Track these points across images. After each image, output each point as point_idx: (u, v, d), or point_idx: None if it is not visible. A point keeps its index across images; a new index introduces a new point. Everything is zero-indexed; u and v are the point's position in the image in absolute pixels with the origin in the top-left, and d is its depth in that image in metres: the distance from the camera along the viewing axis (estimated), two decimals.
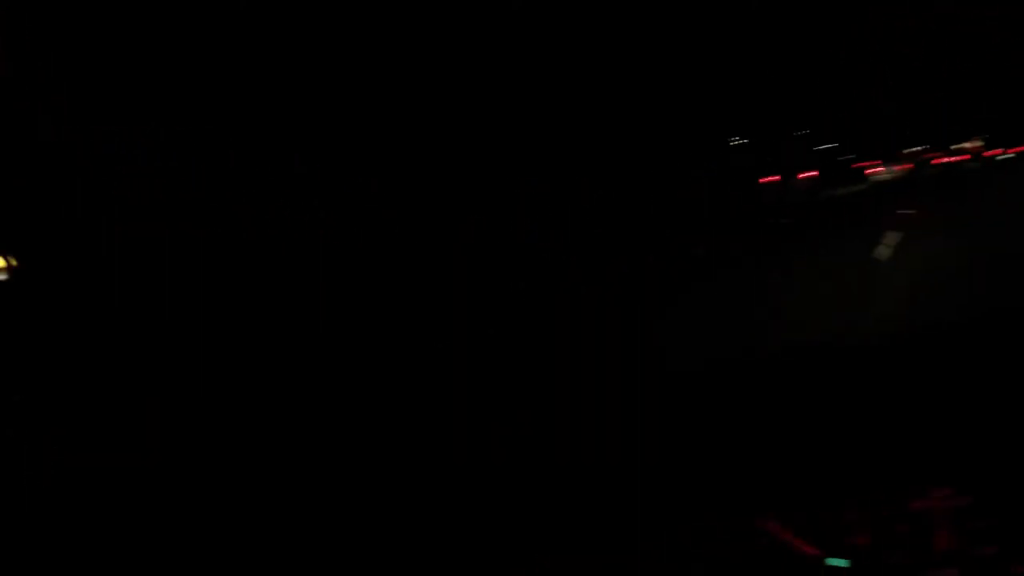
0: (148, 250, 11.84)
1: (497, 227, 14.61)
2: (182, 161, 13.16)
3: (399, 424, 6.84)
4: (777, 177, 23.31)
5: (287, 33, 14.61)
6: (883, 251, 11.08)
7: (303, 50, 14.19)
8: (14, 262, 10.10)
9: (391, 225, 14.13)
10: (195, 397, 7.10)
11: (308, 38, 14.05)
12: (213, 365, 8.62)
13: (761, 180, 22.40)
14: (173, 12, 12.94)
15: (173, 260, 11.49)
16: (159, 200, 12.76)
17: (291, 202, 13.92)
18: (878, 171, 25.25)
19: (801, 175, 22.95)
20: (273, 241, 13.11)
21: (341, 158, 14.49)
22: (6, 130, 11.26)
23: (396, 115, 14.98)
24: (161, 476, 1.86)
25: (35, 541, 1.86)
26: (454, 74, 14.22)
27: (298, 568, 1.82)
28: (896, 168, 26.54)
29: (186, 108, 13.33)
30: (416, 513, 1.88)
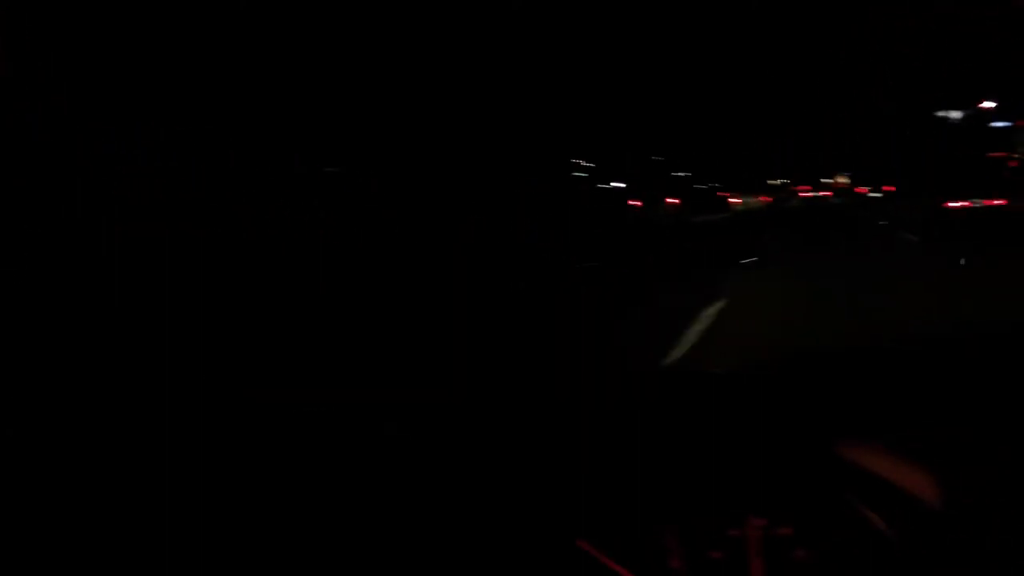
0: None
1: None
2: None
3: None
4: (640, 203, 23.96)
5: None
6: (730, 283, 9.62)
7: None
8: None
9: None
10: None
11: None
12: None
13: (629, 202, 23.30)
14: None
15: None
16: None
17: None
18: (738, 200, 28.37)
19: (667, 200, 25.20)
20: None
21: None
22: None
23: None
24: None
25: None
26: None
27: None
28: (759, 198, 29.49)
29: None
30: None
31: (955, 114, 59.59)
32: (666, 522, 1.55)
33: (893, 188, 53.09)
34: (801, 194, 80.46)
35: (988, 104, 52.62)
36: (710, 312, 7.71)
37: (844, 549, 1.49)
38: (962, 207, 19.64)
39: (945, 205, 19.38)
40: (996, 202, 19.62)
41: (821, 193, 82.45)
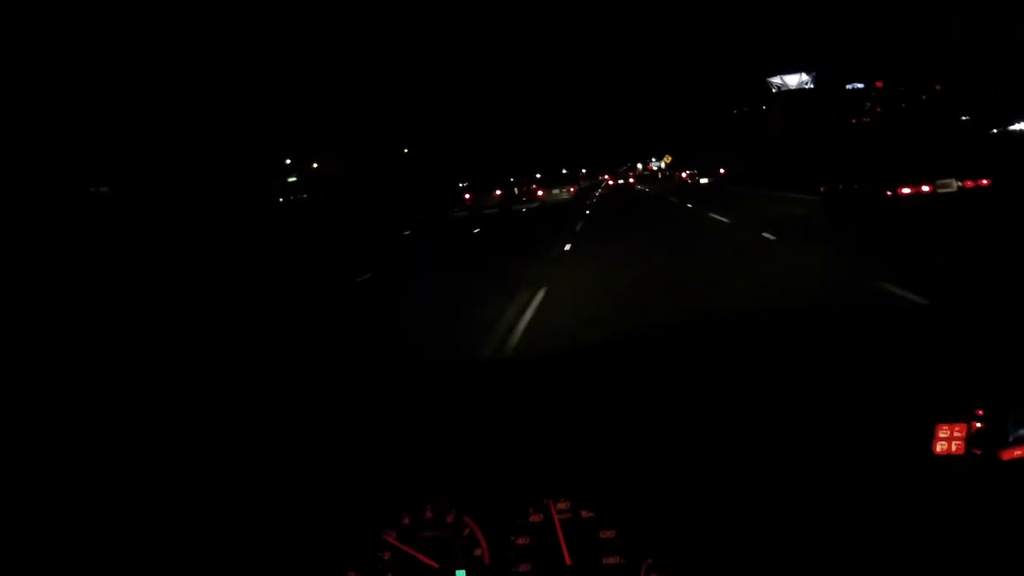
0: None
1: None
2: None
3: None
4: (471, 195, 33.12)
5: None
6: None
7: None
8: None
9: None
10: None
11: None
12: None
13: (464, 195, 31.39)
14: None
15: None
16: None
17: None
18: (542, 193, 34.78)
19: (495, 192, 32.95)
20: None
21: None
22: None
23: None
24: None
25: None
26: None
27: None
28: (568, 189, 36.68)
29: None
30: None
31: (791, 79, 58.91)
32: (465, 512, 1.62)
33: (725, 172, 51.12)
34: (609, 183, 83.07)
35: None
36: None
37: (646, 527, 1.58)
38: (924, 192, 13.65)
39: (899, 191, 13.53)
40: (981, 182, 13.51)
41: (628, 182, 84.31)
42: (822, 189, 17.32)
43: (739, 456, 1.63)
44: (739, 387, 1.77)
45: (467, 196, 44.88)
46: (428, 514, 1.63)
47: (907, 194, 13.23)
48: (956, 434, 1.60)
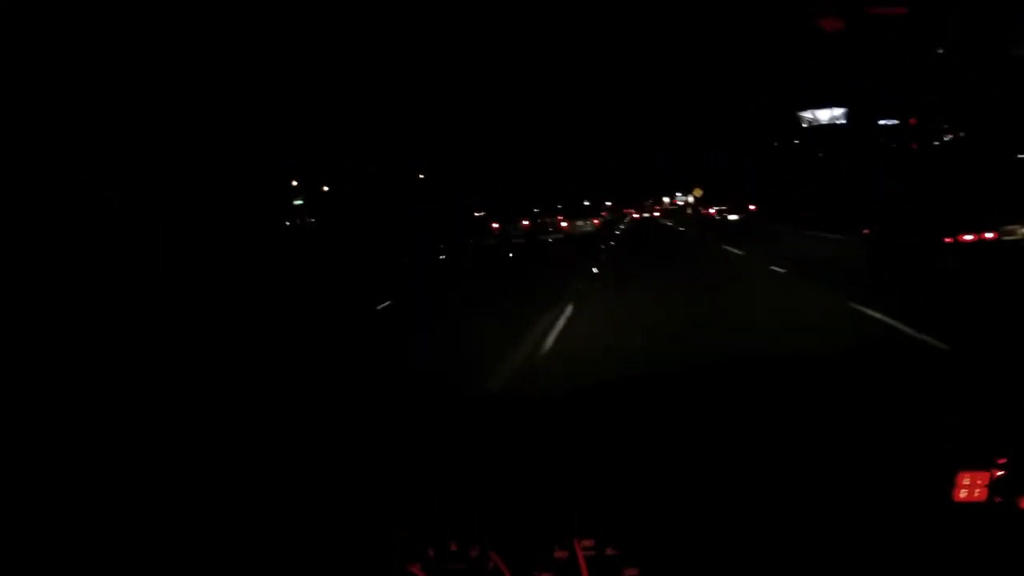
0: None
1: None
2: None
3: None
4: (498, 224, 33.98)
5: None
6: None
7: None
8: None
9: None
10: None
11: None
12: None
13: (492, 224, 32.29)
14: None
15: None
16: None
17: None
18: (566, 225, 36.88)
19: (523, 222, 33.98)
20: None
21: None
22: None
23: None
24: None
25: None
26: None
27: None
28: (592, 221, 35.10)
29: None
30: None
31: (823, 114, 58.56)
32: (490, 547, 1.65)
33: (755, 208, 50.48)
34: (634, 216, 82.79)
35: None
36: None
37: (670, 566, 1.61)
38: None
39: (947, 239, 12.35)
40: None
41: (652, 215, 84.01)
42: (866, 232, 16.06)
43: (761, 498, 1.66)
44: (761, 431, 1.79)
45: (495, 225, 45.40)
46: (453, 547, 1.65)
47: (969, 241, 12.11)
48: (978, 482, 1.63)
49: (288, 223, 34.66)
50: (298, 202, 37.23)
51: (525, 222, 47.04)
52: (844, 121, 57.08)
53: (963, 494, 1.63)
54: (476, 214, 49.31)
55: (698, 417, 1.90)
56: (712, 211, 62.98)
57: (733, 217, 52.22)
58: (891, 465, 1.68)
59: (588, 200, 69.42)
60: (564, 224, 48.56)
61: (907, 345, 7.04)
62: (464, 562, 1.63)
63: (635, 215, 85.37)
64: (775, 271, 15.46)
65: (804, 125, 59.90)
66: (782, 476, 1.69)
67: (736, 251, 20.99)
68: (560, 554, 1.62)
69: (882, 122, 49.41)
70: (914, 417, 1.78)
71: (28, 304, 10.50)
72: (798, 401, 1.95)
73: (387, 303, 14.26)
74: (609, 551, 1.61)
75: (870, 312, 9.26)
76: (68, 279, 12.18)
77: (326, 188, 38.82)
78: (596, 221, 51.87)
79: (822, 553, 1.61)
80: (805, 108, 59.54)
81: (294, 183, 36.31)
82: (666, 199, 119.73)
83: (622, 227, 56.82)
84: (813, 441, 1.75)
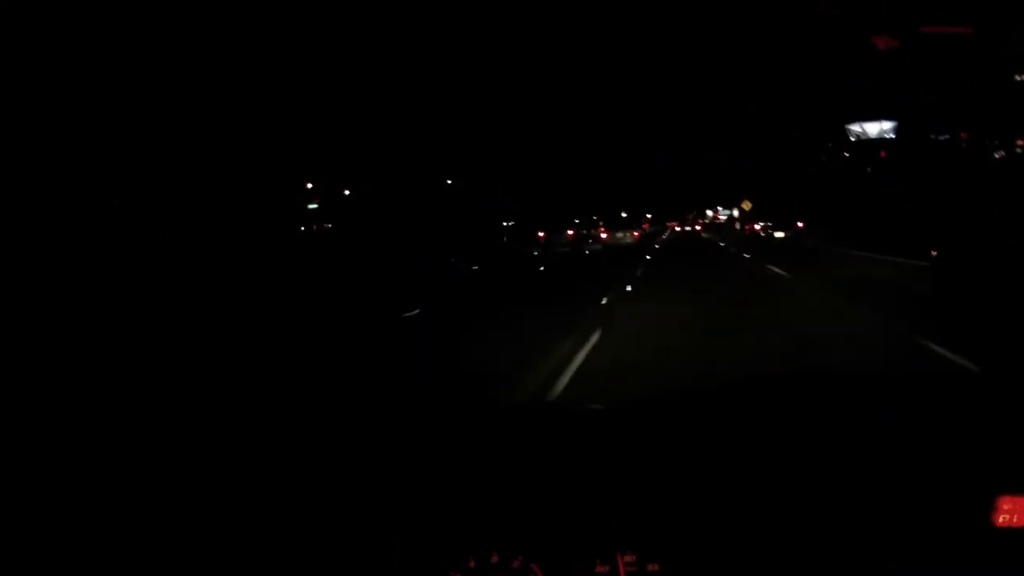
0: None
1: None
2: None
3: None
4: (544, 233, 37.04)
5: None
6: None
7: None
8: None
9: None
10: None
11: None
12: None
13: (538, 232, 35.07)
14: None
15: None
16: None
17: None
18: (606, 236, 37.56)
19: (567, 232, 37.69)
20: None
21: None
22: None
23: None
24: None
25: None
26: None
27: None
28: (631, 233, 37.84)
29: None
30: None
31: (871, 127, 56.83)
32: (531, 559, 1.64)
33: (804, 226, 48.68)
34: (676, 229, 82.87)
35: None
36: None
37: None
38: None
39: None
40: None
41: (694, 229, 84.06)
42: (934, 254, 14.04)
43: (804, 519, 1.66)
44: (798, 450, 1.80)
45: (541, 234, 46.91)
46: (494, 558, 1.65)
47: None
48: (1020, 507, 1.61)
49: (303, 228, 32.89)
50: (312, 206, 34.83)
51: (570, 232, 49.05)
52: (893, 135, 55.42)
53: (1003, 519, 1.60)
54: (505, 224, 50.91)
55: (739, 437, 1.89)
56: (758, 227, 61.41)
57: (780, 234, 50.64)
58: (931, 489, 1.65)
59: (625, 212, 69.77)
60: (604, 235, 49.50)
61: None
62: (504, 573, 1.64)
63: (677, 228, 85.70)
64: (825, 294, 14.28)
65: (852, 139, 58.33)
66: (824, 498, 1.67)
67: (780, 271, 19.60)
68: (601, 568, 1.63)
69: (935, 136, 47.70)
70: (955, 440, 1.76)
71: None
72: (834, 421, 1.93)
73: (416, 311, 13.69)
74: (651, 567, 1.63)
75: (939, 350, 8.02)
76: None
77: (347, 192, 37.07)
78: (636, 234, 53.50)
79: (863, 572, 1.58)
80: (853, 121, 58.00)
81: (309, 185, 34.31)
82: (709, 212, 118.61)
83: (664, 237, 56.65)
84: (852, 462, 1.72)
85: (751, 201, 70.13)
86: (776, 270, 20.04)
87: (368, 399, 5.75)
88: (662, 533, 1.61)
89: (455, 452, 1.87)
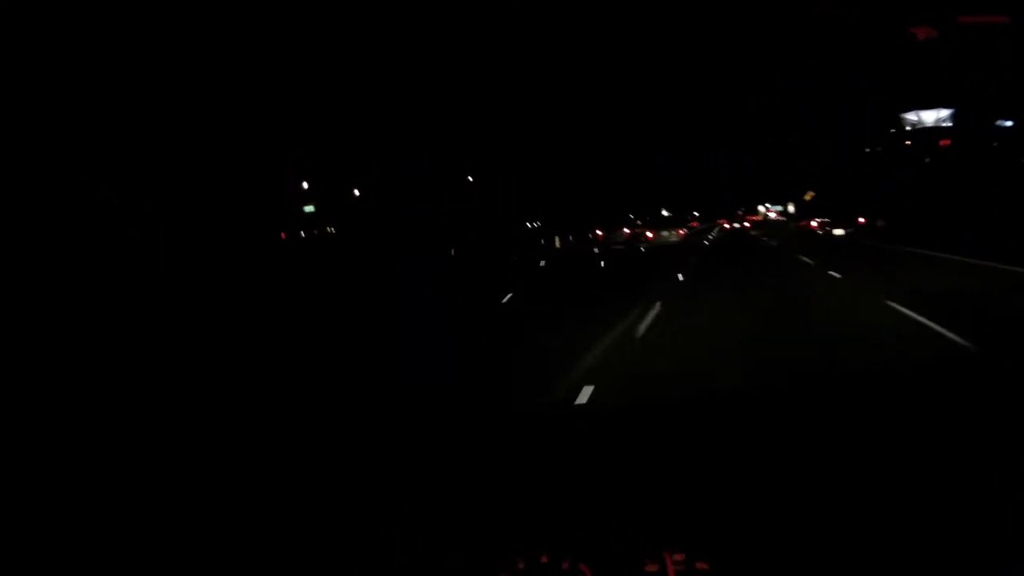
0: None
1: None
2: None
3: None
4: (601, 232, 39.34)
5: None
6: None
7: None
8: None
9: None
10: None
11: None
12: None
13: (596, 232, 37.43)
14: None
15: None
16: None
17: None
18: (651, 235, 41.00)
19: (624, 230, 40.40)
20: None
21: None
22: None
23: None
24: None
25: None
26: None
27: None
28: (677, 232, 38.42)
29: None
30: None
31: (928, 115, 54.43)
32: (580, 559, 1.72)
33: (865, 222, 46.42)
34: (725, 227, 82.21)
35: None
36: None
37: None
38: None
39: None
40: None
41: (743, 226, 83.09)
42: None
43: (847, 514, 1.77)
44: (853, 451, 2.01)
45: (598, 233, 51.23)
46: (543, 559, 1.71)
47: None
48: None
49: (303, 233, 31.16)
50: (309, 208, 32.26)
51: (626, 230, 52.83)
52: (951, 124, 52.91)
53: None
54: (528, 224, 53.58)
55: (796, 433, 2.06)
56: (814, 224, 58.12)
57: (839, 232, 47.80)
58: (990, 488, 1.66)
59: (667, 211, 71.61)
60: (650, 235, 52.24)
61: None
62: (554, 574, 1.68)
63: (726, 225, 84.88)
64: (894, 308, 11.71)
65: (908, 128, 56.00)
66: (872, 498, 1.78)
67: (838, 276, 17.88)
68: (651, 567, 1.66)
69: (999, 123, 45.22)
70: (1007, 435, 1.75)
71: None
72: (880, 421, 2.15)
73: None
74: (699, 565, 1.64)
75: None
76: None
77: (357, 192, 35.16)
78: (681, 232, 55.72)
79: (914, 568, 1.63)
80: (908, 109, 55.64)
81: (304, 185, 31.96)
82: (761, 208, 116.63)
83: (711, 237, 56.01)
84: (918, 467, 1.89)
85: (812, 192, 67.87)
86: (836, 275, 18.08)
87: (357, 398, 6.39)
88: (711, 533, 1.69)
89: (503, 454, 2.00)
